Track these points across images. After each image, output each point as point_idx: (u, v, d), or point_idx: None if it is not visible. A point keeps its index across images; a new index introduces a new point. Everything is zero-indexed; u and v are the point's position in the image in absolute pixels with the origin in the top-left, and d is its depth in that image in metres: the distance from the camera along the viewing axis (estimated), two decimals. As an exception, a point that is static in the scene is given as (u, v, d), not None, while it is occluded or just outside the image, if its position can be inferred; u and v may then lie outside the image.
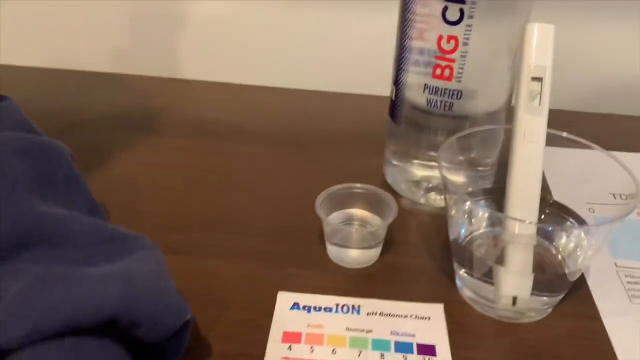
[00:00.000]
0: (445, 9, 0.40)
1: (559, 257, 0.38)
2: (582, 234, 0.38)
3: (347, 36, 0.66)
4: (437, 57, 0.41)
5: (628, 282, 0.41)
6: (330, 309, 0.37)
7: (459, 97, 0.42)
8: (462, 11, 0.39)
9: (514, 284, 0.36)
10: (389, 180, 0.50)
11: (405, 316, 0.37)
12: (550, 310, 0.38)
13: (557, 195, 0.46)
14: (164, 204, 0.47)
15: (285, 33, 0.67)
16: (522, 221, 0.35)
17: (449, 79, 0.42)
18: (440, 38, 0.40)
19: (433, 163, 0.47)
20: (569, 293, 0.38)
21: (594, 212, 0.43)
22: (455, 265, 0.40)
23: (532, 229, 0.36)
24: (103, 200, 0.47)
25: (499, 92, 0.45)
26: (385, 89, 0.49)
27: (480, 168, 0.47)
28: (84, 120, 0.59)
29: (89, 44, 0.70)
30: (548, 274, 0.38)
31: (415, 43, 0.43)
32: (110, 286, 0.28)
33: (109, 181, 0.50)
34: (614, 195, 0.42)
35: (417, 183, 0.48)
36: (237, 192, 0.49)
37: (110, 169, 0.51)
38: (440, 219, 0.46)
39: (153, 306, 0.29)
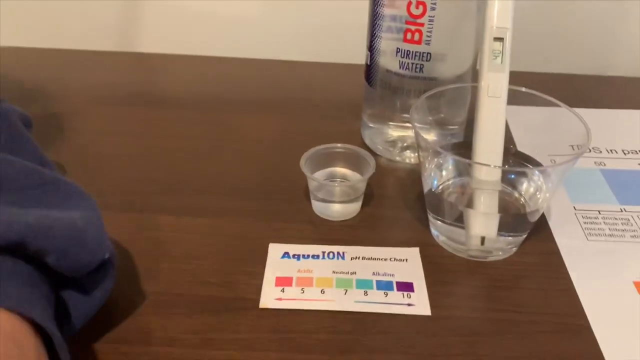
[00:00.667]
0: (413, -23, 0.43)
1: (521, 200, 0.43)
2: (540, 177, 0.42)
3: (322, 5, 0.69)
4: (408, 22, 0.45)
5: (585, 223, 0.45)
6: (318, 256, 0.41)
7: (428, 59, 0.46)
8: (428, -21, 0.42)
9: (482, 224, 0.40)
10: (367, 141, 0.54)
11: (385, 259, 0.41)
12: (515, 249, 0.42)
13: (520, 148, 0.50)
14: (156, 170, 0.50)
15: (264, 5, 0.70)
16: (487, 165, 0.39)
17: (418, 42, 0.45)
18: (409, 4, 0.44)
19: (407, 124, 0.51)
20: (532, 233, 0.42)
21: (554, 162, 0.48)
22: (429, 213, 0.43)
23: (497, 174, 0.40)
24: (100, 172, 0.50)
25: (465, 55, 0.48)
26: (361, 58, 0.52)
27: (450, 127, 0.51)
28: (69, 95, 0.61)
29: (77, 23, 0.72)
30: (512, 216, 0.42)
31: (387, 10, 0.46)
32: (25, 216, 0.30)
33: (98, 155, 0.52)
34: (572, 147, 0.46)
35: (392, 143, 0.52)
36: (224, 158, 0.52)
37: (99, 142, 0.54)
38: (414, 174, 0.49)
39: (65, 240, 0.30)
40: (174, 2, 0.70)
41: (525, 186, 0.43)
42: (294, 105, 0.60)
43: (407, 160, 0.51)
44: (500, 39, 0.41)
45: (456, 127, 0.51)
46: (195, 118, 0.57)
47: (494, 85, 0.41)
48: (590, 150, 0.54)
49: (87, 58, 0.69)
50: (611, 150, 0.53)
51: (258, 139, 0.55)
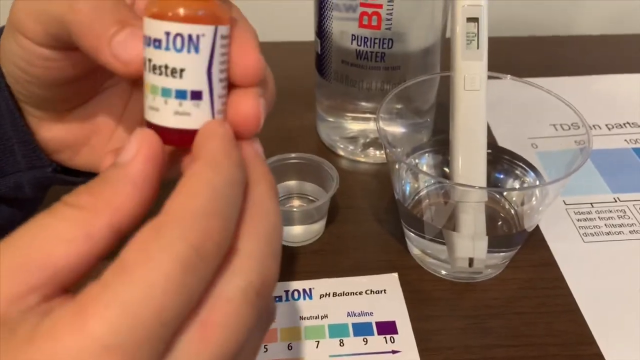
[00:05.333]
0: (365, -52, 0.35)
1: (512, 211, 0.37)
2: (537, 192, 0.36)
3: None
4: (363, 4, 0.37)
5: (578, 220, 0.40)
6: (280, 298, 0.34)
7: (390, 46, 0.39)
8: (384, -50, 0.35)
9: (469, 246, 0.34)
10: (324, 137, 0.47)
11: (360, 292, 0.35)
12: (507, 262, 0.37)
13: (498, 133, 0.44)
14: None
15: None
16: (471, 187, 0.33)
17: (377, 27, 0.38)
18: (363, -18, 0.36)
19: (368, 115, 0.44)
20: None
21: (537, 147, 0.42)
22: (404, 225, 0.37)
23: (481, 182, 0.34)
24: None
25: (432, 26, 0.41)
26: (309, 34, 0.44)
27: (419, 119, 0.44)
28: None
29: None
30: (503, 231, 0.36)
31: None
32: None
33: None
34: (554, 126, 0.41)
35: (353, 139, 0.45)
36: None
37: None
38: (382, 176, 0.43)
39: None
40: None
41: (516, 198, 0.37)
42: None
43: (372, 161, 0.45)
44: (475, 19, 0.35)
45: (426, 117, 0.44)
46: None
47: (471, 77, 0.34)
48: (569, 128, 0.48)
49: None
50: (594, 126, 0.48)
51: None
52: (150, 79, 0.19)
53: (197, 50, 0.19)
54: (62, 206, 0.17)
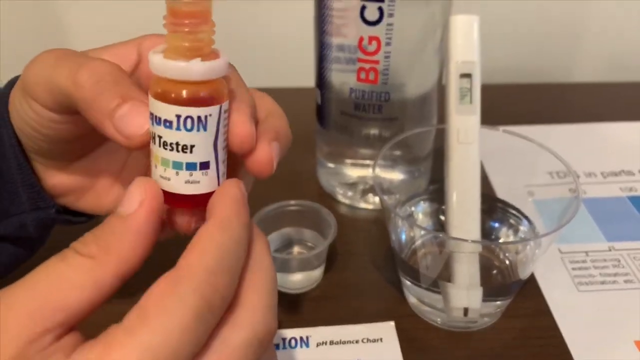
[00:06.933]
0: (363, 8, 0.37)
1: (507, 261, 0.38)
2: (531, 243, 0.37)
3: (268, 28, 0.62)
4: (360, 60, 0.39)
5: (573, 269, 0.40)
6: (278, 346, 0.35)
7: (387, 98, 0.40)
8: (381, 10, 0.36)
9: (464, 296, 0.34)
10: (323, 183, 0.48)
11: (357, 341, 0.35)
12: (502, 311, 0.37)
13: (495, 182, 0.45)
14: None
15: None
16: (464, 240, 0.34)
17: (374, 81, 0.39)
18: (361, 39, 0.38)
19: (368, 161, 0.45)
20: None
21: (533, 195, 0.43)
22: (401, 275, 0.38)
23: (475, 235, 0.35)
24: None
25: (428, 75, 0.42)
26: (311, 79, 0.46)
27: (417, 167, 0.45)
28: None
29: None
30: (498, 280, 0.37)
31: (334, 40, 0.40)
32: None
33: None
34: (550, 174, 0.42)
35: (352, 186, 0.46)
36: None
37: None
38: (381, 223, 0.44)
39: None
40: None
41: (511, 248, 0.38)
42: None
43: (372, 207, 0.46)
44: (468, 75, 0.36)
45: (424, 164, 0.45)
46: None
47: (464, 130, 0.36)
48: (564, 176, 0.49)
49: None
50: (589, 174, 0.49)
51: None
52: (161, 153, 0.21)
53: (205, 128, 0.21)
54: (73, 254, 0.19)
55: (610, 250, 0.42)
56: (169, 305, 0.18)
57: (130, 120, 0.21)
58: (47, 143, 0.27)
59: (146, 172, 0.22)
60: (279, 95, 0.63)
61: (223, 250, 0.19)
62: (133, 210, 0.20)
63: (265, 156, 0.22)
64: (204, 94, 0.20)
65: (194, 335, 0.18)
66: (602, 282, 0.39)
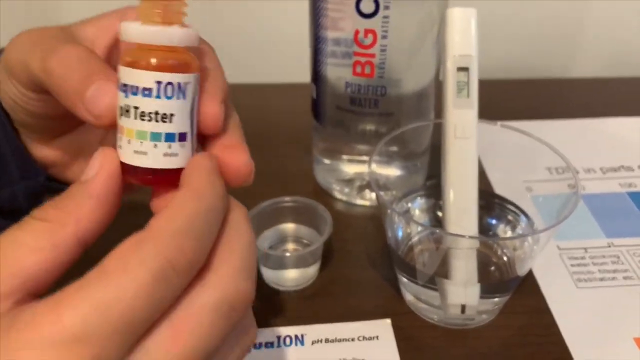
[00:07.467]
0: (358, 0, 0.36)
1: (505, 257, 0.37)
2: (529, 238, 0.36)
3: (262, 23, 0.62)
4: (356, 54, 0.38)
5: (572, 265, 0.40)
6: (272, 344, 0.34)
7: (383, 92, 0.39)
8: (377, 3, 0.36)
9: (461, 293, 0.34)
10: (320, 179, 0.47)
11: (353, 339, 0.35)
12: (499, 308, 0.37)
13: (493, 178, 0.44)
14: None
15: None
16: (461, 236, 0.33)
17: (370, 75, 0.39)
18: (357, 32, 0.37)
19: (364, 157, 0.44)
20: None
21: (531, 190, 0.42)
22: (398, 272, 0.37)
23: (473, 231, 0.34)
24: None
25: (425, 71, 0.41)
26: (306, 76, 0.45)
27: (413, 162, 0.44)
28: None
29: None
30: (496, 277, 0.36)
31: (330, 33, 0.39)
32: None
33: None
34: (549, 170, 0.41)
35: (349, 182, 0.46)
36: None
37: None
38: (377, 219, 0.43)
39: None
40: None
41: (509, 244, 0.37)
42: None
43: (368, 203, 0.45)
44: (465, 69, 0.35)
45: (421, 160, 0.45)
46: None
47: (462, 125, 0.35)
48: (563, 172, 0.49)
49: None
50: (589, 170, 0.48)
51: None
52: (137, 125, 0.20)
53: (184, 96, 0.20)
54: (30, 219, 0.19)
55: (609, 246, 0.41)
56: (129, 264, 0.18)
57: (98, 99, 0.21)
58: (32, 118, 0.28)
59: None
60: (274, 91, 0.63)
61: (193, 216, 0.19)
62: (92, 175, 0.20)
63: (244, 165, 0.22)
64: (184, 60, 0.20)
65: (152, 297, 0.18)
66: (601, 279, 0.39)
